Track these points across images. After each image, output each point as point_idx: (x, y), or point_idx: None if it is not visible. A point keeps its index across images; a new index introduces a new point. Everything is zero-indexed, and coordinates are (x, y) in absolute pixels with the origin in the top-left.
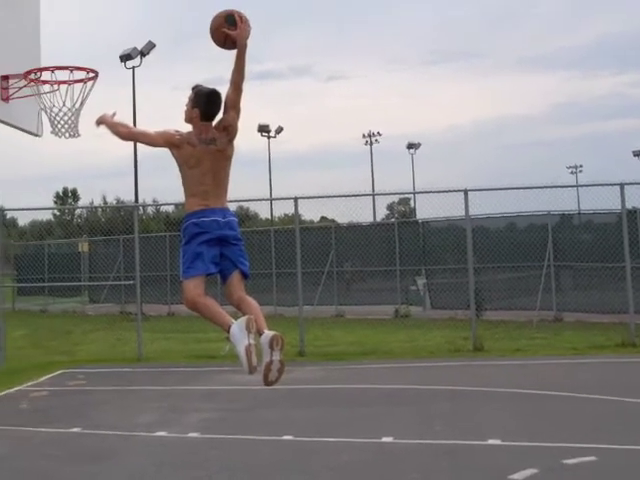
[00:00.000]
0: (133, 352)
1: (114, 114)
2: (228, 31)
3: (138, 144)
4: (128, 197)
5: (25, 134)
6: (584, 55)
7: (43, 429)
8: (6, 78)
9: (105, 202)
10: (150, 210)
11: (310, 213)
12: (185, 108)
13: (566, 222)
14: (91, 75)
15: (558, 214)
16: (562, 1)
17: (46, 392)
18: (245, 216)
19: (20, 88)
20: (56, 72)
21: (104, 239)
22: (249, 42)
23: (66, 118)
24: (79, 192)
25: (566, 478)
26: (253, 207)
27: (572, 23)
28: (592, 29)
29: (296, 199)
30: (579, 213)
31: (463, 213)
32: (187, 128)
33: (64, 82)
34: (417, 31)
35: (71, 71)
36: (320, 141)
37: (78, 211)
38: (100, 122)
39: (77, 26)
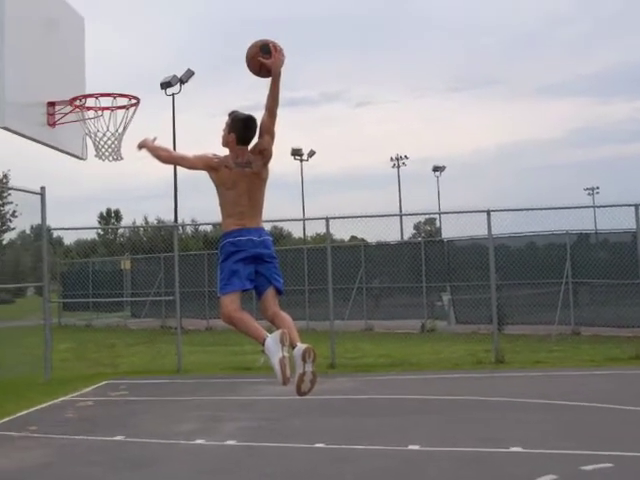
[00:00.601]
0: (173, 364)
1: (155, 139)
2: (263, 60)
3: (178, 167)
4: (168, 217)
5: (70, 157)
6: (601, 81)
7: (88, 437)
8: (52, 104)
9: (146, 222)
10: (189, 229)
11: (341, 232)
12: (222, 133)
13: (583, 241)
14: (133, 102)
15: (576, 233)
16: (578, 29)
17: (91, 402)
18: (279, 235)
19: (66, 114)
20: (100, 99)
21: (145, 257)
22: (283, 70)
23: (109, 142)
24: (122, 212)
25: None
26: (287, 227)
27: (588, 50)
28: (607, 56)
29: (327, 219)
30: (596, 232)
31: (486, 232)
32: (224, 152)
33: (107, 108)
34: (443, 59)
35: (114, 98)
36: (350, 164)
37: (121, 230)
38: (142, 146)
39: (120, 53)
